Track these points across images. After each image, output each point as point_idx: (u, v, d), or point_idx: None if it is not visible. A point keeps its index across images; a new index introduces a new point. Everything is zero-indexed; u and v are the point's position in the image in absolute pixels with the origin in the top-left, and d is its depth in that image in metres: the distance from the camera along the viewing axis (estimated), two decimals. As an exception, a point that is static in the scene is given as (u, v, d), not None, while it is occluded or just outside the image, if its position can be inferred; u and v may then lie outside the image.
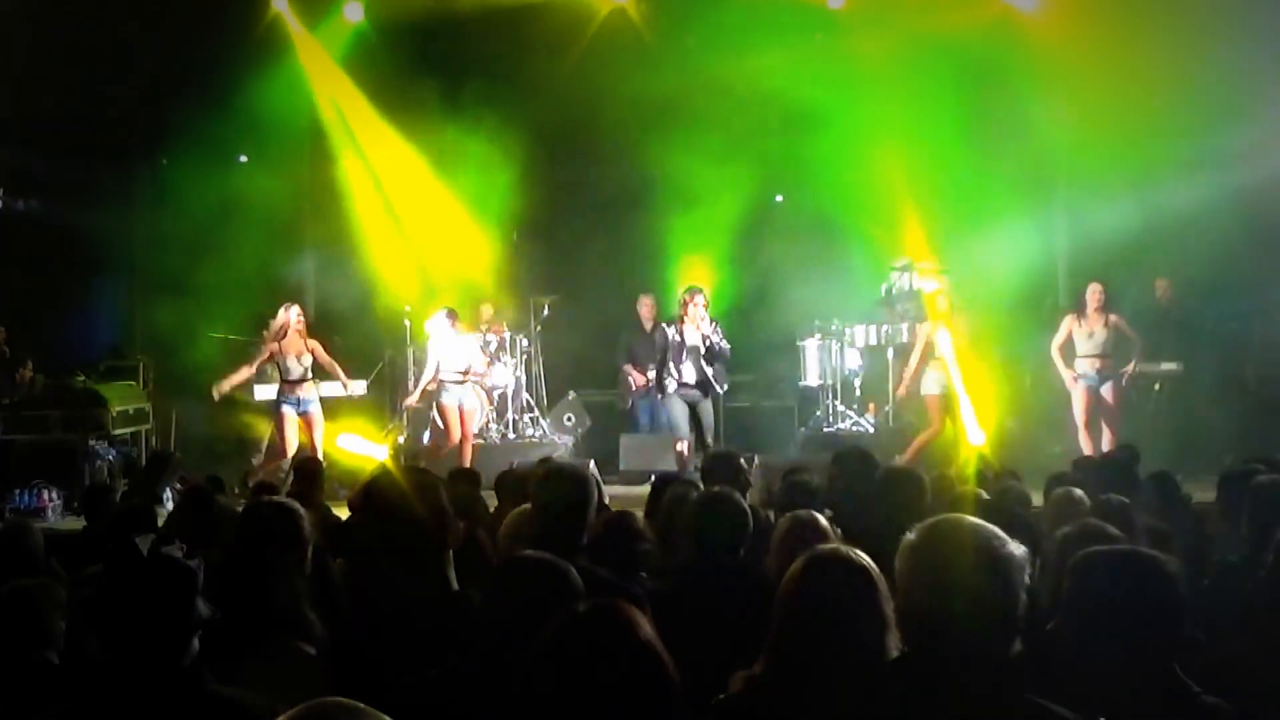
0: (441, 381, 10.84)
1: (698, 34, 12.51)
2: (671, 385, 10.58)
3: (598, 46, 12.77)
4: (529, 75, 12.62)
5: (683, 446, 10.44)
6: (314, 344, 10.55)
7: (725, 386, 11.06)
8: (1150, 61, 10.43)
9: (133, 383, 12.33)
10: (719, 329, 10.66)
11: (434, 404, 11.18)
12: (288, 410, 10.36)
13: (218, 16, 12.29)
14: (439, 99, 12.44)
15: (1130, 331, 10.68)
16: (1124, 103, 10.91)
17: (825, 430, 12.20)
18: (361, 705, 1.84)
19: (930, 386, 10.70)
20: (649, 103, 11.96)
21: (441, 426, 11.07)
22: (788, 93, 11.95)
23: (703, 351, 10.56)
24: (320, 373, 10.71)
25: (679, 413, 10.54)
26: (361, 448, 10.88)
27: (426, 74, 12.41)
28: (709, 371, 10.45)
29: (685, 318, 10.61)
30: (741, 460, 6.50)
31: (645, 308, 12.57)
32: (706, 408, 10.59)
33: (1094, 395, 10.54)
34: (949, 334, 10.58)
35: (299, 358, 10.38)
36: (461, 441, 10.83)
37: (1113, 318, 10.61)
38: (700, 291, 10.76)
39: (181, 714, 2.64)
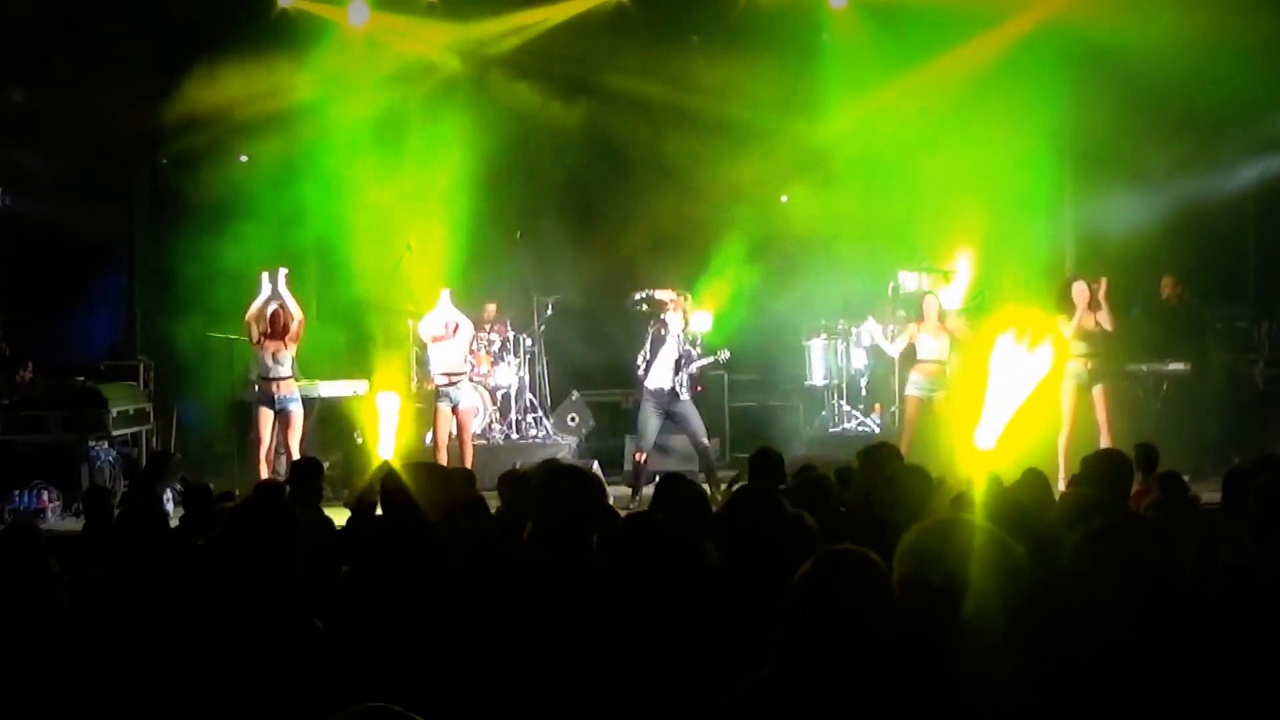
0: (437, 384, 10.72)
1: (702, 33, 12.46)
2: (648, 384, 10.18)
3: (603, 44, 12.74)
4: (537, 71, 12.62)
5: (641, 456, 10.25)
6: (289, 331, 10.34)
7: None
8: (1161, 59, 10.38)
9: (133, 383, 12.28)
10: (699, 344, 10.28)
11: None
12: (264, 410, 10.31)
13: (220, 13, 12.27)
14: (444, 95, 12.42)
15: (1110, 326, 10.36)
16: (1132, 100, 10.89)
17: (831, 430, 12.18)
18: (409, 712, 1.80)
19: (910, 388, 10.64)
20: (653, 101, 11.93)
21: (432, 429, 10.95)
22: (794, 92, 11.93)
23: (677, 358, 10.17)
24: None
25: (649, 421, 10.21)
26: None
27: (433, 69, 12.39)
28: (680, 378, 10.14)
29: (671, 315, 10.18)
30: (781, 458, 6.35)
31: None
32: (684, 409, 10.23)
33: (1082, 395, 10.32)
34: (932, 338, 10.52)
35: (275, 355, 10.27)
36: (461, 442, 10.74)
37: (1100, 315, 10.30)
38: (689, 297, 10.43)
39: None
